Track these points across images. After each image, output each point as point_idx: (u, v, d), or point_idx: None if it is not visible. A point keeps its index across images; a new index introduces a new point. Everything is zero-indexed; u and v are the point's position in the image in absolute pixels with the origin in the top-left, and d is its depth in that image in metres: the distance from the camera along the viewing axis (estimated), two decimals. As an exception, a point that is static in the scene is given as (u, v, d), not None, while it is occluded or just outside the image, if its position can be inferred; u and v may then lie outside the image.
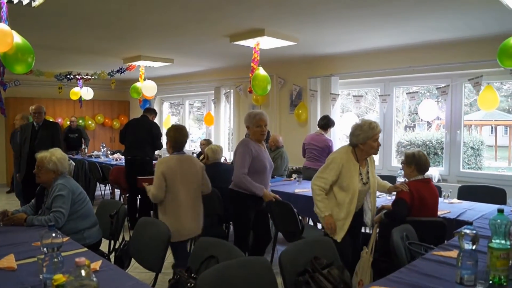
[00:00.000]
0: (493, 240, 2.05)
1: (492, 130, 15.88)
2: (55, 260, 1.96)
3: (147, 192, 3.73)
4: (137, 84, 7.53)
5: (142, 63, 7.26)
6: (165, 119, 10.38)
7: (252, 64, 5.35)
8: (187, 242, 3.87)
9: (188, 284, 2.41)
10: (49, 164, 3.35)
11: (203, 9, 4.23)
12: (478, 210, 3.81)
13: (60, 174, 3.40)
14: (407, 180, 3.57)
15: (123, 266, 3.22)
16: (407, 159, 3.53)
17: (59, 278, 1.66)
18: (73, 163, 7.82)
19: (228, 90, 8.75)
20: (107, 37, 5.57)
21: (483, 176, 6.04)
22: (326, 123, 6.06)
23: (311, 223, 5.37)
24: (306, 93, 7.34)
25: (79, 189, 3.44)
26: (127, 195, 6.53)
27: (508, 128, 15.65)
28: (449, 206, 4.05)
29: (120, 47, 6.33)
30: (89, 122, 10.88)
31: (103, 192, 8.47)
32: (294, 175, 5.75)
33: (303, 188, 4.99)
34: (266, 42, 5.34)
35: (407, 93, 6.36)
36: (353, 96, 6.98)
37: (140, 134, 6.09)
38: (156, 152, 7.11)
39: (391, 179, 4.51)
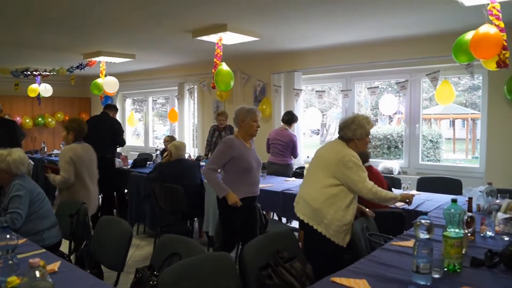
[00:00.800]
0: (447, 229, 2.13)
1: (450, 124, 16.41)
2: (10, 262, 1.90)
3: (51, 181, 4.07)
4: (98, 81, 7.35)
5: (102, 58, 7.09)
6: (128, 116, 10.20)
7: (215, 60, 5.33)
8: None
9: (151, 282, 2.39)
10: (2, 163, 3.23)
11: (165, 4, 4.17)
12: (436, 201, 3.93)
13: (14, 175, 3.27)
14: None
15: (84, 267, 3.16)
16: None
17: (13, 280, 1.62)
18: (32, 163, 7.56)
19: (192, 86, 8.68)
20: (64, 31, 5.40)
21: (441, 168, 6.25)
22: (290, 118, 6.11)
23: (275, 217, 5.41)
24: (270, 89, 7.37)
25: (37, 189, 3.33)
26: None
27: (465, 121, 16.20)
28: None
29: (79, 42, 6.15)
30: (49, 119, 10.56)
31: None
32: (258, 171, 5.77)
33: (267, 183, 5.01)
34: (229, 38, 5.32)
35: (368, 88, 6.49)
36: (316, 91, 7.06)
37: (100, 132, 5.95)
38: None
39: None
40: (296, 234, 4.53)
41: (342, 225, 2.93)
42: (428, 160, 8.86)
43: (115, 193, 6.33)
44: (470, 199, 2.98)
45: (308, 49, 6.72)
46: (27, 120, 10.15)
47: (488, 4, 3.47)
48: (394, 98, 6.13)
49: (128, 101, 11.05)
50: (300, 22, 4.94)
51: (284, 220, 5.48)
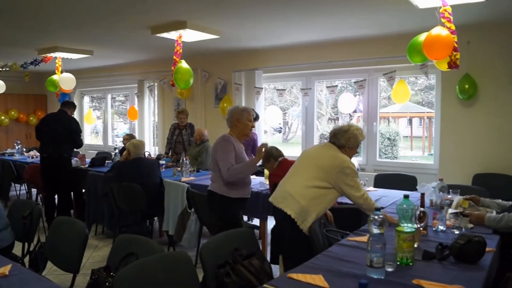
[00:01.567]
0: (400, 224, 2.19)
1: (408, 122, 16.91)
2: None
3: None
4: (54, 77, 7.12)
5: (59, 54, 6.87)
6: (86, 114, 9.94)
7: (174, 57, 5.28)
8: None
9: (107, 284, 2.34)
10: None
11: (122, -1, 4.10)
12: (391, 197, 4.04)
13: None
14: None
15: (38, 269, 3.05)
16: (267, 158, 4.04)
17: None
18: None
19: (152, 84, 8.56)
20: (16, 25, 5.20)
21: (398, 164, 6.44)
22: (251, 116, 6.12)
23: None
24: (231, 87, 7.36)
25: (-13, 189, 3.20)
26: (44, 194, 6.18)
27: (422, 120, 16.74)
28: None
29: (33, 37, 5.94)
30: (2, 117, 10.15)
31: (18, 192, 7.96)
32: (219, 169, 5.75)
33: (228, 181, 5.00)
34: (189, 35, 5.28)
35: (327, 87, 6.60)
36: (277, 89, 7.11)
37: (58, 130, 5.76)
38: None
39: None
40: (257, 232, 4.58)
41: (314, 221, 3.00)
42: (385, 157, 9.11)
43: (72, 193, 6.16)
44: (422, 194, 3.08)
45: (269, 48, 6.76)
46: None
47: (440, 7, 3.60)
48: (353, 97, 6.26)
49: (86, 99, 10.77)
50: (261, 20, 4.96)
51: (245, 218, 5.49)
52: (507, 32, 5.01)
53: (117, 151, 6.75)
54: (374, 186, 4.83)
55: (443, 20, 3.59)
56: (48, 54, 6.91)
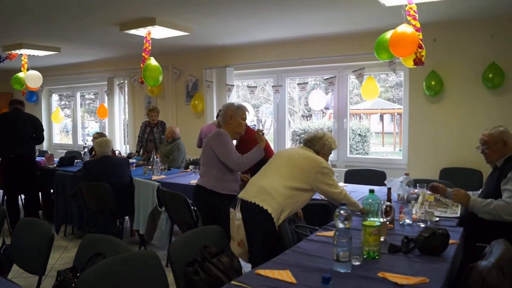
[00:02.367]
0: (366, 218, 2.23)
1: (379, 118, 17.17)
2: None
3: None
4: (20, 75, 6.94)
5: (24, 51, 6.68)
6: (54, 112, 9.71)
7: (143, 54, 5.21)
8: None
9: (73, 285, 2.30)
10: None
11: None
12: (361, 192, 4.09)
13: None
14: None
15: (3, 273, 2.98)
16: None
17: None
18: None
19: (122, 81, 8.43)
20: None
21: (369, 160, 6.54)
22: (223, 113, 6.11)
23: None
24: (202, 84, 7.32)
25: None
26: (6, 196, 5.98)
27: (393, 116, 17.01)
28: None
29: (-3, 33, 5.78)
30: (-35, 116, 9.81)
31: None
32: (191, 167, 5.73)
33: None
34: (158, 32, 5.22)
35: (298, 84, 6.63)
36: (248, 86, 7.11)
37: (24, 129, 5.59)
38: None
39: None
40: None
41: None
42: (356, 153, 9.22)
43: (40, 193, 6.02)
44: (389, 189, 3.13)
45: (240, 45, 6.75)
46: None
47: (406, 5, 3.67)
48: (323, 94, 6.32)
49: (55, 97, 10.53)
50: (231, 17, 4.95)
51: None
52: (472, 29, 5.15)
53: (86, 150, 6.63)
54: (345, 182, 4.89)
55: (408, 18, 3.66)
56: (13, 51, 6.72)
